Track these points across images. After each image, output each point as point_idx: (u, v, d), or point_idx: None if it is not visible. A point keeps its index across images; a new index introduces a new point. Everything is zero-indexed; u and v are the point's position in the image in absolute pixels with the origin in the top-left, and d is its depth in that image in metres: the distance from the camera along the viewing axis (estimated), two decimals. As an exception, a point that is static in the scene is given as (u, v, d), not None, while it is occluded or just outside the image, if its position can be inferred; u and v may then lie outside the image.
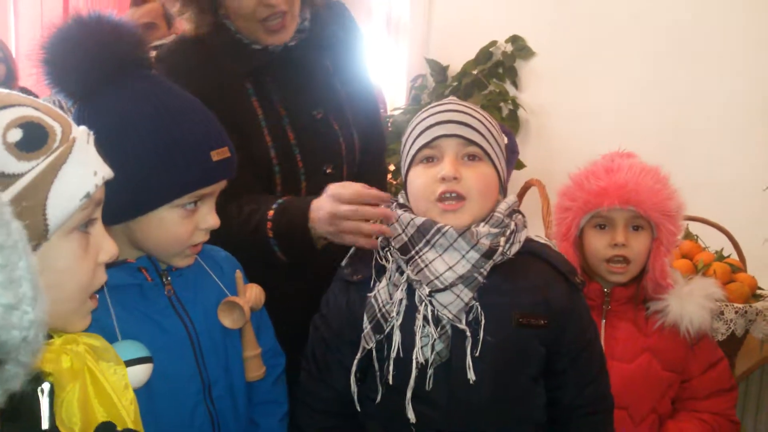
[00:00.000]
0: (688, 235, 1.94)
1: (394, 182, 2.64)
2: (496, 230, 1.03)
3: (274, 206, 1.17)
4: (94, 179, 0.71)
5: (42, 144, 0.67)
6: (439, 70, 2.97)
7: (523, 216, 1.10)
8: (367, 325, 1.04)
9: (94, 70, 0.89)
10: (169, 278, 0.98)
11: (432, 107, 1.09)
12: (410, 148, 1.07)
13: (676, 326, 1.29)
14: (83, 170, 0.70)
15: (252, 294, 1.05)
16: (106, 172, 0.73)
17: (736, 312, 1.64)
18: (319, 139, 1.31)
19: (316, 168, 1.30)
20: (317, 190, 1.22)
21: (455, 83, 2.88)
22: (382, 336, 1.03)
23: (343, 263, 1.13)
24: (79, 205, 0.69)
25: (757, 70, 2.31)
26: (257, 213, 1.18)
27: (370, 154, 1.46)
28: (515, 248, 1.04)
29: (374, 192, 1.10)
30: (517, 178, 2.50)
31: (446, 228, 1.01)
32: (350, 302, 1.08)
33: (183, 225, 0.93)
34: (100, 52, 0.88)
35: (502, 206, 1.05)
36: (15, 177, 0.65)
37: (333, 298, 1.12)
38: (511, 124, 2.77)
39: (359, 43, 1.44)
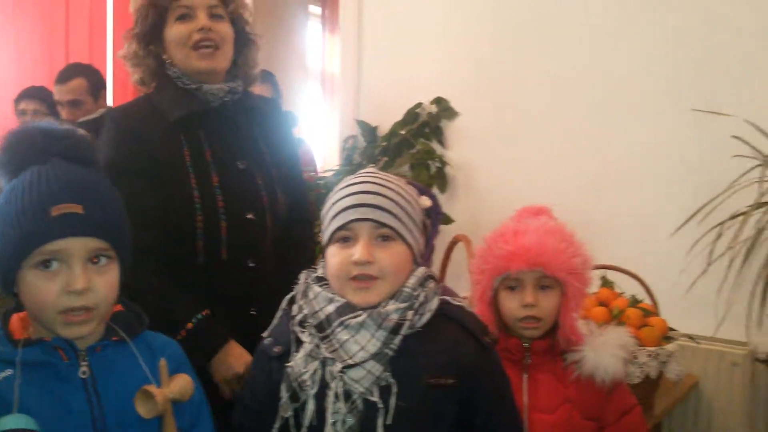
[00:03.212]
0: (606, 283, 2.06)
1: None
2: (404, 305, 1.09)
3: (194, 321, 1.38)
4: None
5: None
6: (369, 131, 3.07)
7: (437, 282, 1.17)
8: (284, 395, 1.09)
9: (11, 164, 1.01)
10: (87, 359, 0.99)
11: (348, 185, 1.16)
12: (327, 227, 1.14)
13: (592, 376, 1.36)
14: None
15: (177, 385, 1.04)
16: None
17: (649, 355, 1.74)
18: (242, 186, 1.48)
19: (238, 212, 1.47)
20: (240, 233, 1.46)
21: (384, 143, 2.99)
22: (298, 405, 1.08)
23: (265, 334, 1.19)
24: None
25: (663, 123, 2.49)
26: (175, 314, 1.38)
27: (300, 223, 1.60)
28: (425, 318, 1.11)
29: None
30: (447, 233, 2.59)
31: (358, 311, 1.08)
32: (271, 372, 1.14)
33: (44, 287, 0.95)
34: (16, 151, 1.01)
35: (412, 280, 1.12)
36: None
37: (255, 368, 1.19)
38: (439, 181, 2.88)
39: (287, 126, 1.66)
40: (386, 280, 1.09)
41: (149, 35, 1.49)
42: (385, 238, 1.10)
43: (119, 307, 1.06)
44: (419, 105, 2.95)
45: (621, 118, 2.57)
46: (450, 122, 2.94)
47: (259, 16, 4.12)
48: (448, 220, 2.80)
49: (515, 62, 2.79)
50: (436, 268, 2.44)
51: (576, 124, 2.66)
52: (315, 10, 5.89)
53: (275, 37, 4.47)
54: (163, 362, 1.05)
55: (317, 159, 3.23)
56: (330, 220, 1.13)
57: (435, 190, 2.90)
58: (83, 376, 0.98)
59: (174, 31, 1.47)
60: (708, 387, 2.30)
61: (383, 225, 1.09)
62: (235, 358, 1.39)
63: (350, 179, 1.17)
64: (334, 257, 1.12)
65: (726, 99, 2.29)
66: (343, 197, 1.12)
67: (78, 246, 0.96)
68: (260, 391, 1.15)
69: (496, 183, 2.85)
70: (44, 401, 0.94)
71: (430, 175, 2.87)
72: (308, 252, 1.64)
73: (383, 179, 1.15)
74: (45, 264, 0.95)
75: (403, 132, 2.95)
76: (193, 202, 1.43)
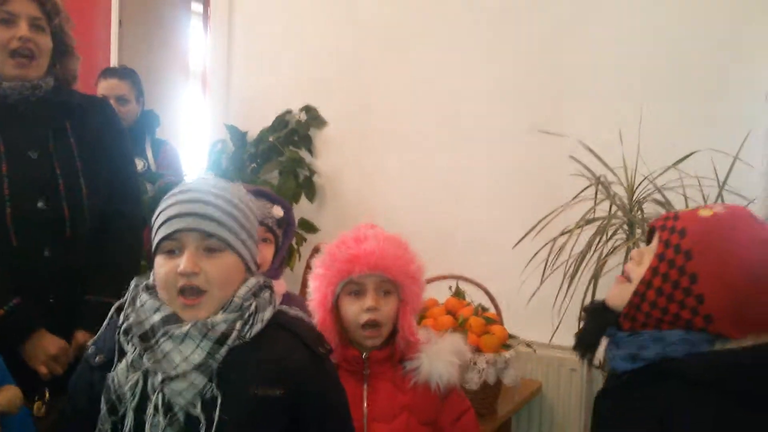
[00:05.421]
0: (458, 293, 2.15)
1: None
2: (232, 315, 1.07)
3: (6, 308, 1.45)
4: None
5: None
6: (238, 136, 3.02)
7: (272, 293, 1.16)
8: (103, 407, 1.05)
9: None
10: None
11: (178, 193, 1.12)
12: (155, 235, 1.10)
13: (428, 382, 1.41)
14: None
15: (5, 396, 1.02)
16: None
17: (487, 362, 1.83)
18: (32, 175, 1.54)
19: (26, 200, 1.53)
20: (28, 221, 1.52)
21: (253, 149, 2.95)
22: (116, 418, 1.04)
23: (89, 343, 1.15)
24: None
25: (510, 141, 2.60)
26: None
27: (120, 219, 1.67)
28: (256, 328, 1.09)
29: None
30: (313, 242, 2.61)
31: (184, 321, 1.06)
32: (92, 383, 1.10)
33: None
34: None
35: (242, 290, 1.10)
36: None
37: (78, 379, 1.14)
38: (307, 189, 2.89)
39: (112, 125, 1.74)
40: (213, 292, 1.07)
41: None
42: (213, 249, 1.08)
43: None
44: (289, 112, 2.95)
45: (469, 134, 2.68)
46: (319, 131, 2.96)
47: (137, 12, 3.96)
48: (314, 229, 2.81)
49: (373, 75, 2.85)
50: (298, 276, 2.45)
51: (428, 137, 2.75)
52: (197, 7, 5.71)
53: (153, 33, 4.30)
54: None
55: (186, 162, 3.12)
56: (157, 228, 1.10)
57: (303, 199, 2.90)
58: None
59: None
60: (550, 391, 2.45)
61: (210, 235, 1.07)
62: (48, 340, 1.50)
63: (181, 187, 1.14)
64: (160, 267, 1.08)
65: (566, 120, 2.46)
66: (171, 205, 1.09)
67: None
68: (81, 403, 1.11)
69: (361, 193, 2.90)
70: None
71: (299, 183, 2.87)
72: (125, 247, 1.68)
73: (214, 187, 1.12)
74: None
75: (271, 139, 2.92)
76: None
